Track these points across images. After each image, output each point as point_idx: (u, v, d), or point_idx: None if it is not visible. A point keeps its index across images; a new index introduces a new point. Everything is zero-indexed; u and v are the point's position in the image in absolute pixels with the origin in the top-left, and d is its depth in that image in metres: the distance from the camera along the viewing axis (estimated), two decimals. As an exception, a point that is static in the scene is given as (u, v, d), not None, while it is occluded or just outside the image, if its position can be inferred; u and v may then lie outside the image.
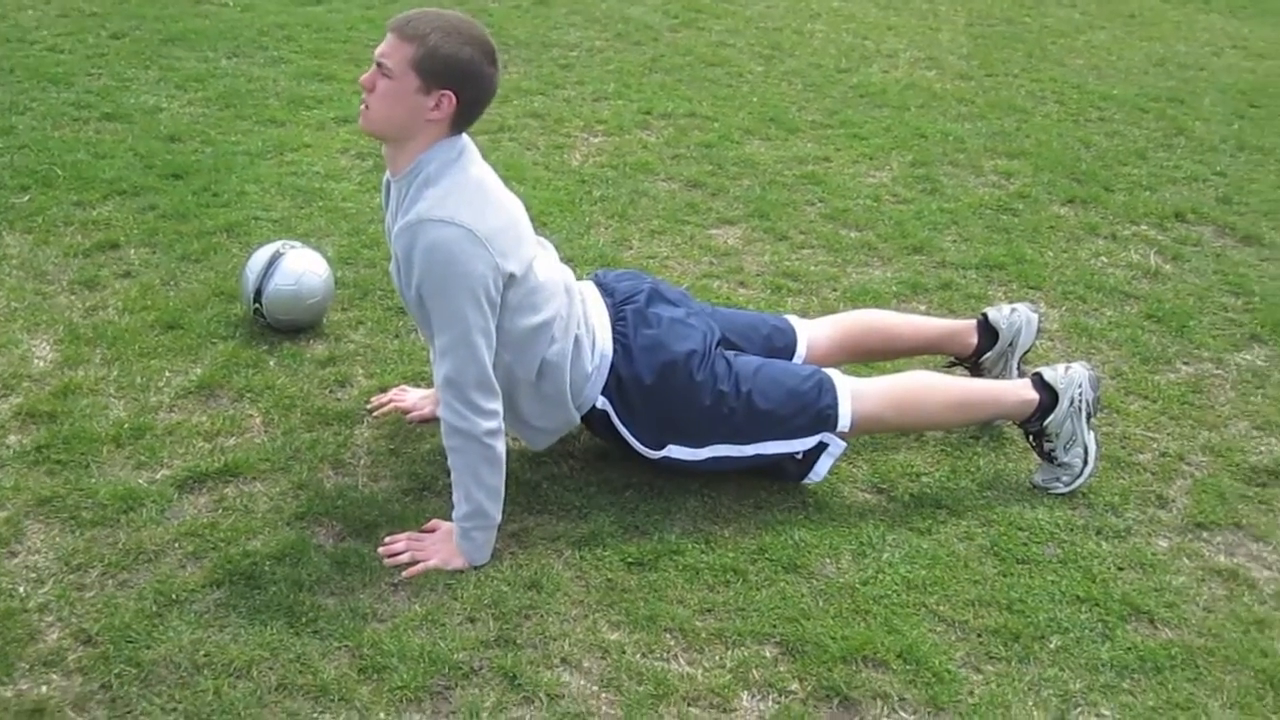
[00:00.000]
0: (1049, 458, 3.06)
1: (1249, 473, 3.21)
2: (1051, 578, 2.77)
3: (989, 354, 3.30)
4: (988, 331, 3.30)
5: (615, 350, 2.86)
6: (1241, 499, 3.10)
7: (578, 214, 4.45)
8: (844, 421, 2.91)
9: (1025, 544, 2.87)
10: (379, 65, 2.57)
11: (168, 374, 3.29)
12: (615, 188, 4.72)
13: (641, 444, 2.89)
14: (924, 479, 3.09)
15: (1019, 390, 3.06)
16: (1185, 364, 3.73)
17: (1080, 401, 3.03)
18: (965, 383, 3.15)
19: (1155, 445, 3.29)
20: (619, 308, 2.94)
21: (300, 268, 3.47)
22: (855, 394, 2.93)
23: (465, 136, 2.70)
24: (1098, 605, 2.69)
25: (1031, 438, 3.09)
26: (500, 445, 2.65)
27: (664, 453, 2.89)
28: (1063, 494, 3.04)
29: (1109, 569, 2.81)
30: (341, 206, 4.36)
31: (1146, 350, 3.77)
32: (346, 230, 4.17)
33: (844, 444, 2.95)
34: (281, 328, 3.49)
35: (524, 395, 2.80)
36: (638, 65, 6.32)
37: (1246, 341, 3.89)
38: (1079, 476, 3.04)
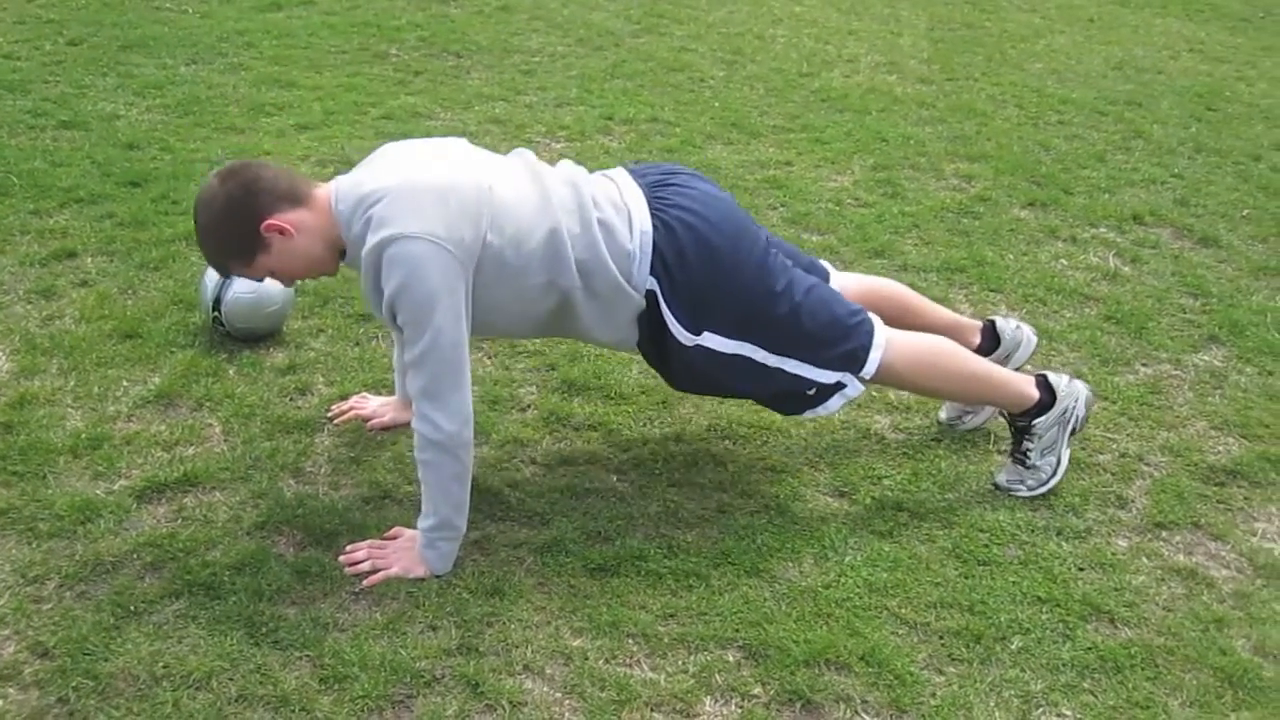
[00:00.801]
0: (1022, 458, 3.07)
1: (1207, 472, 3.23)
2: (1013, 579, 2.78)
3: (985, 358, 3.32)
4: (991, 337, 3.33)
5: (656, 228, 2.75)
6: (1200, 499, 3.12)
7: (540, 220, 4.44)
8: (870, 368, 2.89)
9: (986, 546, 2.88)
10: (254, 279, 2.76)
11: (126, 383, 3.26)
12: (577, 193, 4.71)
13: (683, 326, 2.78)
14: (885, 482, 3.10)
15: (1022, 384, 3.08)
16: (1144, 365, 3.76)
17: (1071, 415, 3.06)
18: (982, 360, 3.14)
19: (1115, 446, 3.31)
20: (656, 188, 2.83)
21: (260, 275, 3.44)
22: (890, 343, 2.92)
23: (314, 187, 2.67)
24: (1058, 606, 2.71)
25: (1015, 433, 3.10)
26: (470, 458, 2.63)
27: (699, 340, 2.79)
28: (1023, 498, 3.05)
29: (1069, 569, 2.83)
30: (302, 213, 4.33)
31: (1106, 352, 3.80)
32: (307, 237, 4.14)
33: (862, 388, 2.93)
34: (241, 336, 3.47)
35: (581, 307, 2.73)
36: (600, 71, 6.32)
37: (1204, 342, 3.92)
38: (1043, 484, 3.06)
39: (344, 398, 3.25)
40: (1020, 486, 3.07)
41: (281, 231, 2.59)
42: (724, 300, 2.79)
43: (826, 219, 4.64)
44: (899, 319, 3.27)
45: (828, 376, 2.89)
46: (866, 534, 2.90)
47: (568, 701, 2.37)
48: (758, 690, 2.43)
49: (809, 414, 2.97)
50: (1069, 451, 3.09)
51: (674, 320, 2.78)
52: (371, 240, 2.53)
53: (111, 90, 5.46)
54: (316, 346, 3.52)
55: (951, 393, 3.19)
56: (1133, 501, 3.10)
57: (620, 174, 2.90)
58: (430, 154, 2.74)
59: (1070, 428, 3.07)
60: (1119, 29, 8.27)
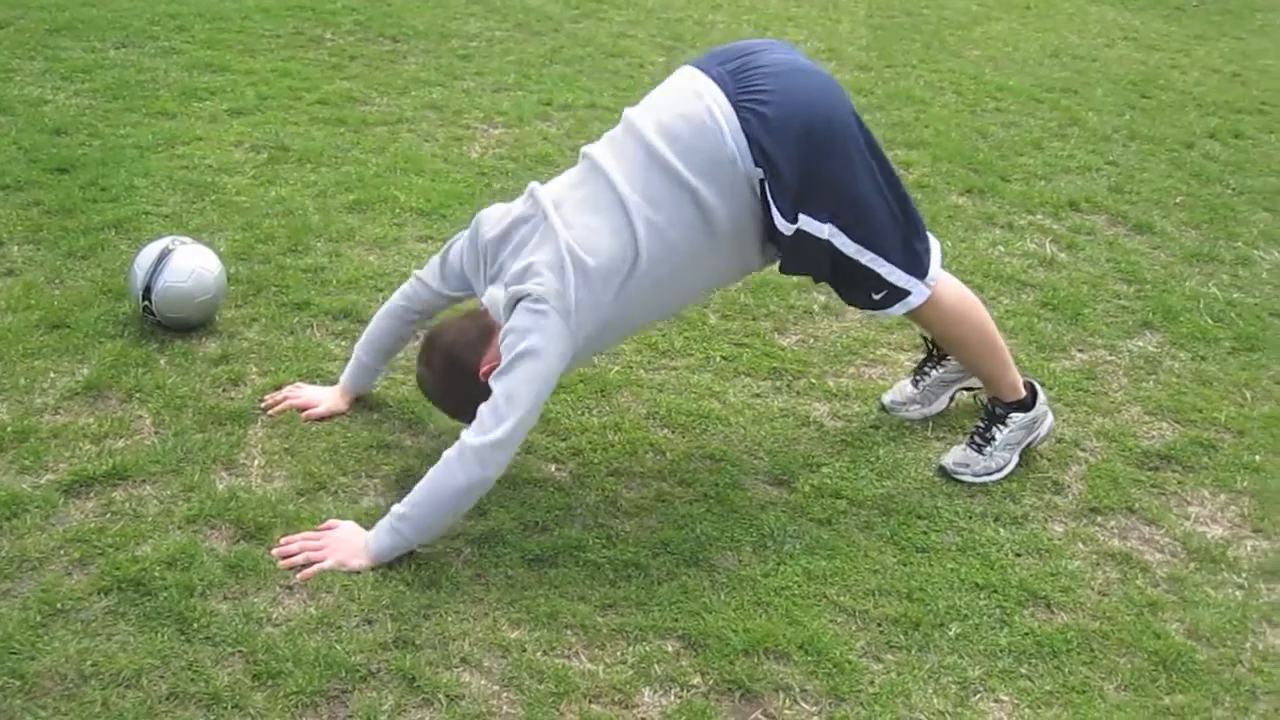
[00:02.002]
0: (983, 444, 3.09)
1: (1141, 457, 3.26)
2: (950, 565, 2.79)
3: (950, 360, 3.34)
4: None
5: (745, 120, 2.66)
6: (1134, 483, 3.15)
7: (477, 206, 4.38)
8: (932, 275, 2.90)
9: (925, 533, 2.89)
10: None
11: (53, 375, 3.19)
12: (515, 180, 4.67)
13: (783, 218, 2.72)
14: (824, 469, 3.10)
15: (1018, 376, 3.12)
16: (1080, 351, 3.79)
17: (1035, 431, 3.13)
18: (999, 335, 3.13)
19: (1051, 432, 3.33)
20: (738, 76, 2.72)
21: (191, 264, 3.38)
22: (942, 275, 2.94)
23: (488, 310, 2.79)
24: (996, 592, 2.72)
25: (989, 417, 3.11)
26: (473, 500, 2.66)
27: (798, 224, 2.73)
28: (963, 483, 3.06)
29: (1007, 556, 2.84)
30: (235, 200, 4.27)
31: (1042, 338, 3.82)
32: (240, 225, 4.08)
33: (925, 297, 2.89)
34: (172, 326, 3.41)
35: (706, 253, 2.78)
36: (538, 56, 6.27)
37: (1139, 328, 3.96)
38: (989, 474, 3.08)
39: (278, 388, 3.19)
40: (966, 471, 3.08)
41: (493, 367, 2.67)
42: (818, 177, 2.71)
43: (766, 206, 4.63)
44: None
45: (897, 276, 2.85)
46: (805, 522, 2.90)
47: (506, 694, 2.35)
48: (697, 680, 2.42)
49: (869, 312, 3.01)
50: (1018, 459, 3.12)
51: (777, 207, 2.71)
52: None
53: (39, 74, 5.34)
54: (250, 336, 3.46)
55: (974, 349, 3.12)
56: (1068, 487, 3.13)
57: (689, 75, 2.79)
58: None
59: (1030, 439, 3.12)
60: (1055, 16, 8.34)
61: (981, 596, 2.71)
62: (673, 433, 3.22)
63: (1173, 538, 2.97)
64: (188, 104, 5.13)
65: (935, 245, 2.95)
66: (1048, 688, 2.47)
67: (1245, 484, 3.19)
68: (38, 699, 2.24)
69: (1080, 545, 2.91)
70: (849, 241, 2.79)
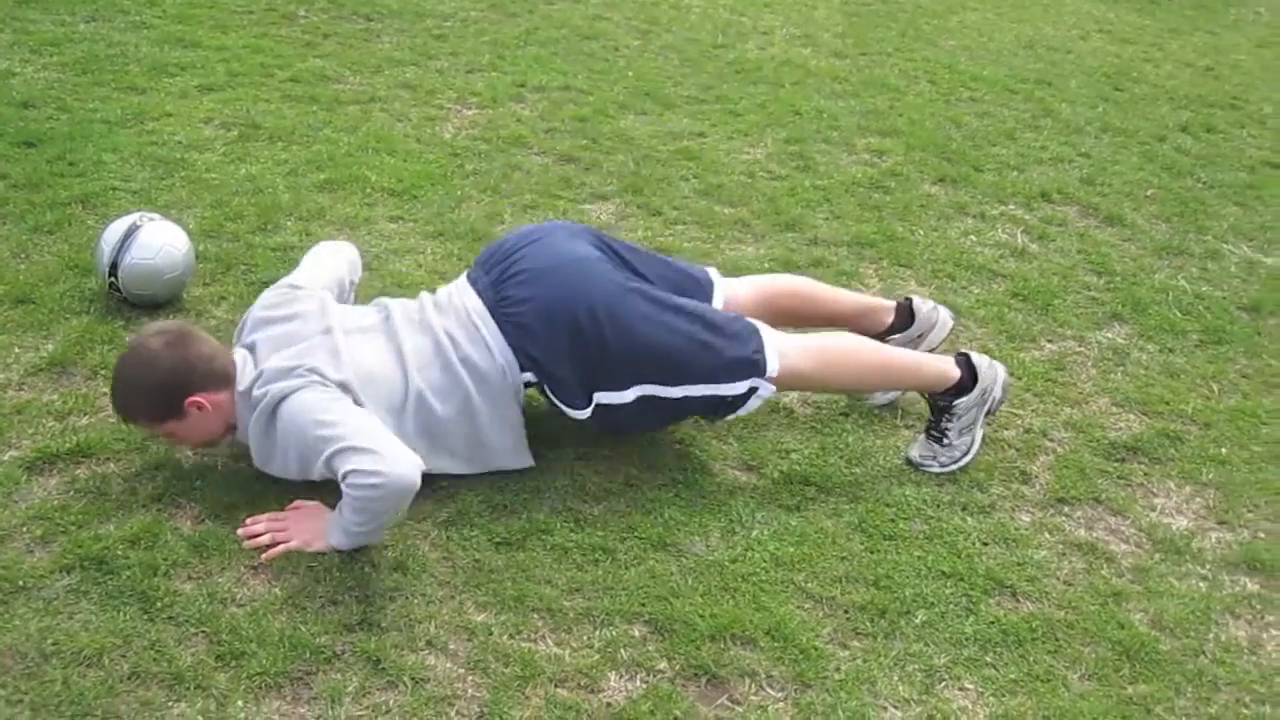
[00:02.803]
0: (940, 436, 3.09)
1: (1108, 448, 3.28)
2: (918, 553, 2.80)
3: (896, 336, 3.32)
4: (905, 315, 3.33)
5: (507, 333, 2.79)
6: (1101, 474, 3.17)
7: (449, 187, 4.38)
8: (772, 366, 2.86)
9: (892, 520, 2.90)
10: (160, 437, 2.77)
11: (17, 350, 3.16)
12: (488, 161, 4.65)
13: (571, 407, 2.83)
14: (793, 456, 3.10)
15: (941, 364, 3.09)
16: (1049, 342, 3.80)
17: (989, 396, 3.08)
18: (888, 348, 3.14)
19: (1019, 422, 3.34)
20: (498, 286, 2.85)
21: (159, 241, 3.35)
22: (781, 346, 2.90)
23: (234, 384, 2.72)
24: (962, 580, 2.73)
25: (934, 411, 3.11)
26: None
27: (594, 402, 2.81)
28: (934, 474, 3.07)
29: (974, 544, 2.85)
30: (204, 178, 4.23)
31: (1012, 328, 3.83)
32: (209, 202, 4.04)
33: (774, 388, 2.89)
34: (139, 303, 3.38)
35: (478, 423, 2.81)
36: (513, 37, 6.24)
37: (1108, 320, 3.98)
38: (956, 462, 3.08)
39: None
40: (933, 463, 3.08)
41: (200, 408, 2.67)
42: (598, 365, 2.80)
43: (739, 191, 4.63)
44: (806, 310, 3.28)
45: (736, 388, 2.87)
46: (774, 508, 2.90)
47: (471, 677, 2.34)
48: (663, 665, 2.42)
49: (730, 416, 2.96)
50: (982, 432, 3.11)
51: (562, 404, 2.85)
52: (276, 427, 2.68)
53: (6, 47, 5.27)
54: (218, 314, 3.44)
55: (867, 385, 3.19)
56: (1036, 477, 3.14)
57: (461, 289, 2.91)
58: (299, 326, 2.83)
59: (987, 408, 3.09)
60: (1030, 7, 8.36)
61: (948, 585, 2.71)
62: (642, 417, 3.20)
63: (1138, 529, 2.98)
64: (158, 79, 5.07)
65: (765, 332, 2.92)
66: (1012, 676, 2.48)
67: (1211, 476, 3.21)
68: (-3, 677, 2.22)
69: (1047, 535, 2.93)
70: (666, 387, 2.84)
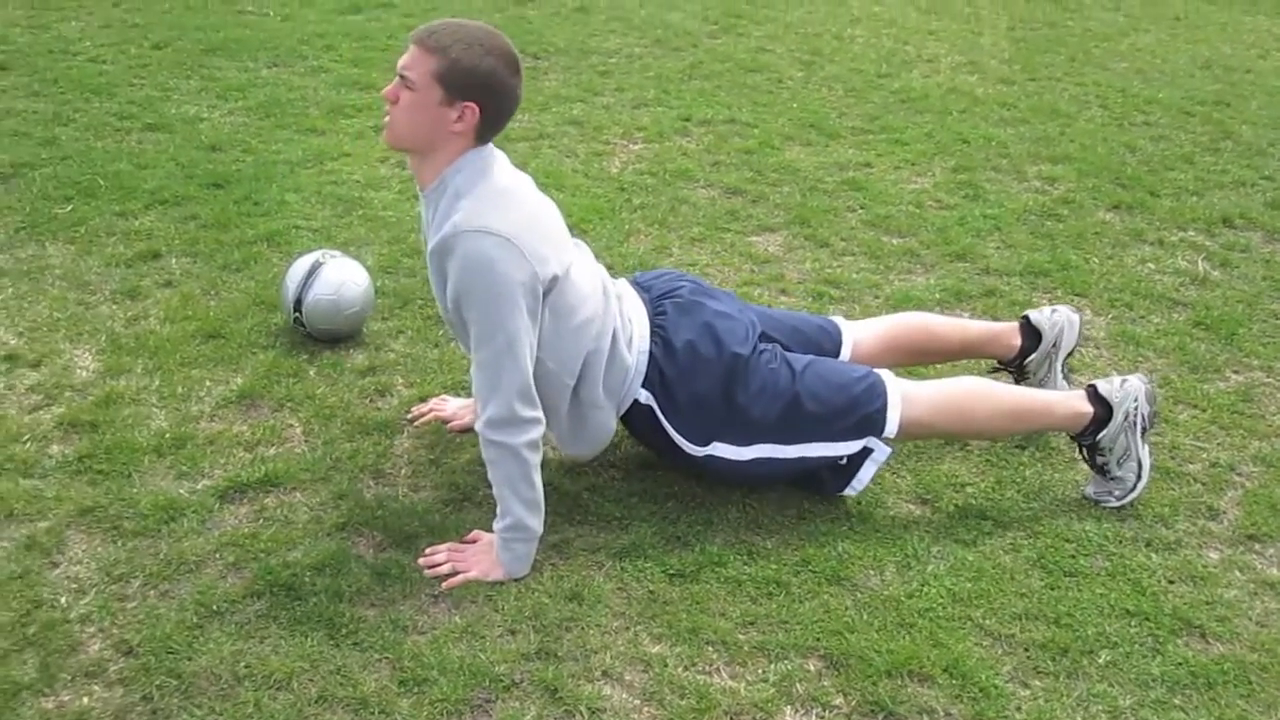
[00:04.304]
0: (1101, 471, 3.01)
1: (1302, 483, 3.15)
2: (1100, 591, 2.72)
3: (1033, 356, 3.25)
4: (1031, 333, 3.26)
5: (655, 344, 2.83)
6: (1294, 510, 3.04)
7: (617, 221, 4.44)
8: (891, 427, 2.86)
9: (1073, 556, 2.83)
10: (401, 77, 2.56)
11: (209, 383, 3.30)
12: (655, 195, 4.70)
13: (687, 440, 2.84)
14: (969, 490, 3.05)
15: (1072, 402, 3.00)
16: (1235, 372, 3.67)
17: (1135, 415, 2.97)
18: (1018, 391, 3.09)
19: (1205, 455, 3.23)
20: (658, 302, 2.92)
21: (340, 277, 3.46)
22: (906, 398, 2.88)
23: (491, 146, 2.67)
24: (1148, 619, 2.64)
25: (1084, 451, 3.03)
26: (537, 458, 2.63)
27: (709, 450, 2.84)
28: (1114, 508, 2.99)
29: (1159, 582, 2.76)
30: (381, 215, 4.36)
31: (1195, 358, 3.71)
32: (386, 239, 4.17)
33: (889, 450, 2.90)
34: (321, 337, 3.49)
35: (562, 403, 2.77)
36: (677, 71, 6.30)
37: (1297, 349, 3.83)
38: (1131, 491, 2.99)
39: (424, 399, 3.26)
40: (1109, 497, 3.00)
41: (461, 117, 2.56)
42: (725, 414, 2.82)
43: (907, 221, 4.58)
44: (930, 348, 3.25)
45: (851, 447, 2.87)
46: (949, 542, 2.85)
47: (647, 708, 2.35)
48: (839, 700, 2.39)
49: (849, 491, 2.92)
50: (1148, 450, 3.01)
51: (676, 433, 2.85)
52: (453, 219, 2.56)
53: (195, 93, 5.53)
54: (396, 348, 3.53)
55: (996, 432, 3.13)
56: (1224, 513, 3.03)
57: (625, 287, 2.96)
58: (546, 208, 2.78)
59: (1140, 428, 2.99)
60: (1206, 27, 8.11)
61: (1133, 624, 2.63)
62: (813, 450, 3.19)
63: (1336, 567, 2.86)
64: (336, 120, 5.26)
65: (890, 389, 2.89)
66: (1203, 719, 2.40)
67: None
68: (194, 698, 2.30)
69: (1237, 573, 2.82)
70: (784, 447, 2.85)
